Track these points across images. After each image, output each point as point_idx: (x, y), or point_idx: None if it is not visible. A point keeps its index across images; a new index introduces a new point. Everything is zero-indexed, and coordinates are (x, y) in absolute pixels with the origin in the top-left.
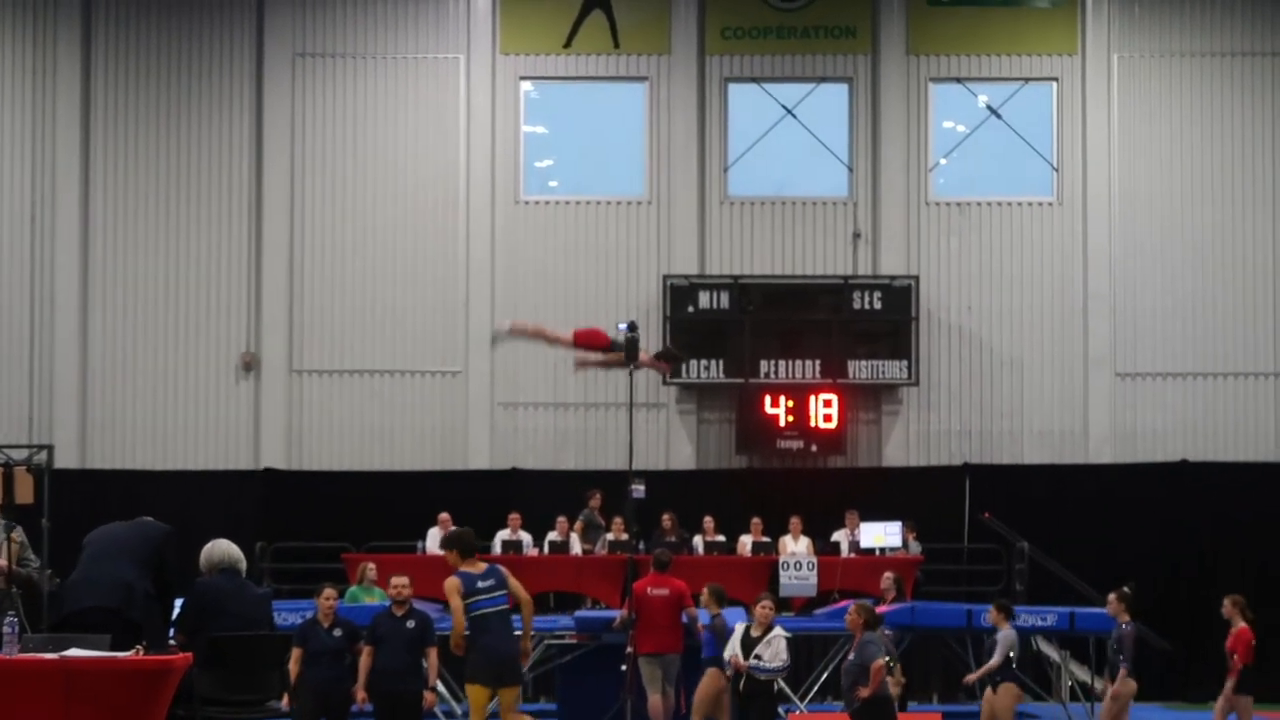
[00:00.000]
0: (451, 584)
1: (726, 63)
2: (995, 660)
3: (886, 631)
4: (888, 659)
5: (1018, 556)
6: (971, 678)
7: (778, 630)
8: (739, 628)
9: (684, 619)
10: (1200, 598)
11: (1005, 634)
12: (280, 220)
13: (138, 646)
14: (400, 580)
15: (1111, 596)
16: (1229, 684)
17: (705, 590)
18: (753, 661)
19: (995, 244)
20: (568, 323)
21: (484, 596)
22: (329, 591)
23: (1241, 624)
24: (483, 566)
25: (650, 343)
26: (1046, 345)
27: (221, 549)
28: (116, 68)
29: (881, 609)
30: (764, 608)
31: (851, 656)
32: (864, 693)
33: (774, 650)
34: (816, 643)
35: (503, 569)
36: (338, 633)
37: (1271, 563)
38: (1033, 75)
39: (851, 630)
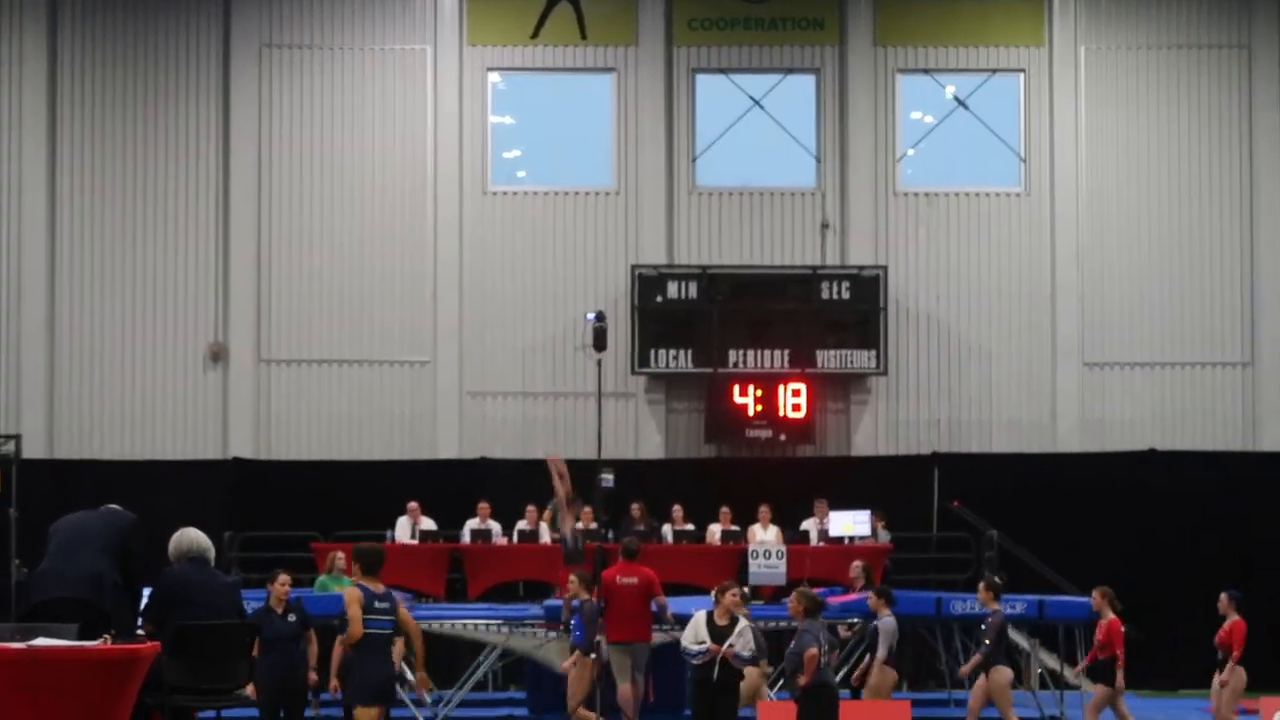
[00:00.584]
0: (353, 594)
1: (694, 54)
2: (881, 653)
3: (854, 621)
4: (825, 647)
5: (987, 545)
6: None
7: (745, 620)
8: (699, 615)
9: (653, 607)
10: (1168, 586)
11: (886, 622)
12: (247, 210)
13: (105, 636)
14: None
15: (981, 585)
16: (1120, 677)
17: (574, 576)
18: (737, 651)
19: (963, 234)
20: (534, 313)
21: (376, 617)
22: (283, 577)
23: (1111, 615)
24: (382, 588)
25: (618, 333)
26: (1014, 335)
27: (190, 538)
28: (82, 58)
29: (850, 597)
30: (734, 595)
31: (792, 645)
32: (802, 681)
33: (745, 640)
34: (786, 632)
35: (396, 596)
36: (291, 618)
37: (1239, 551)
38: (1000, 67)
39: (793, 618)
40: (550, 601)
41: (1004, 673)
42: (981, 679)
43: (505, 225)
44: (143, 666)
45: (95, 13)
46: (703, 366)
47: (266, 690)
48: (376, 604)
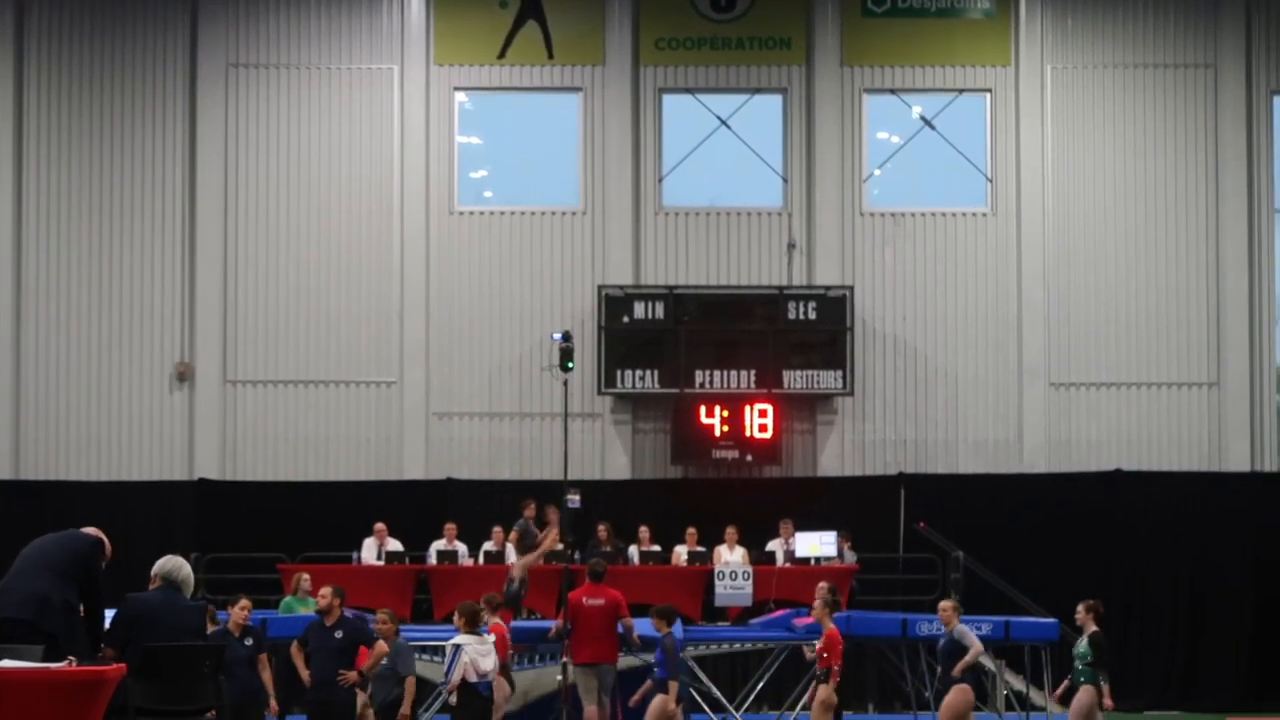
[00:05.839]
0: None
1: (661, 73)
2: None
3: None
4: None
5: (953, 566)
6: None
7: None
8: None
9: (619, 629)
10: (1134, 606)
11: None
12: (214, 231)
13: (70, 658)
14: (325, 590)
15: (947, 603)
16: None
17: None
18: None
19: (930, 254)
20: (501, 333)
21: None
22: (244, 602)
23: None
24: None
25: (584, 354)
26: (981, 355)
27: (175, 564)
28: (49, 77)
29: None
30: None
31: None
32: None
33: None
34: (752, 654)
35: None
36: (249, 642)
37: (1203, 571)
38: (966, 86)
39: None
40: (516, 623)
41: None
42: (949, 696)
43: (472, 245)
44: (109, 688)
45: (61, 34)
46: (669, 387)
47: (226, 713)
48: None
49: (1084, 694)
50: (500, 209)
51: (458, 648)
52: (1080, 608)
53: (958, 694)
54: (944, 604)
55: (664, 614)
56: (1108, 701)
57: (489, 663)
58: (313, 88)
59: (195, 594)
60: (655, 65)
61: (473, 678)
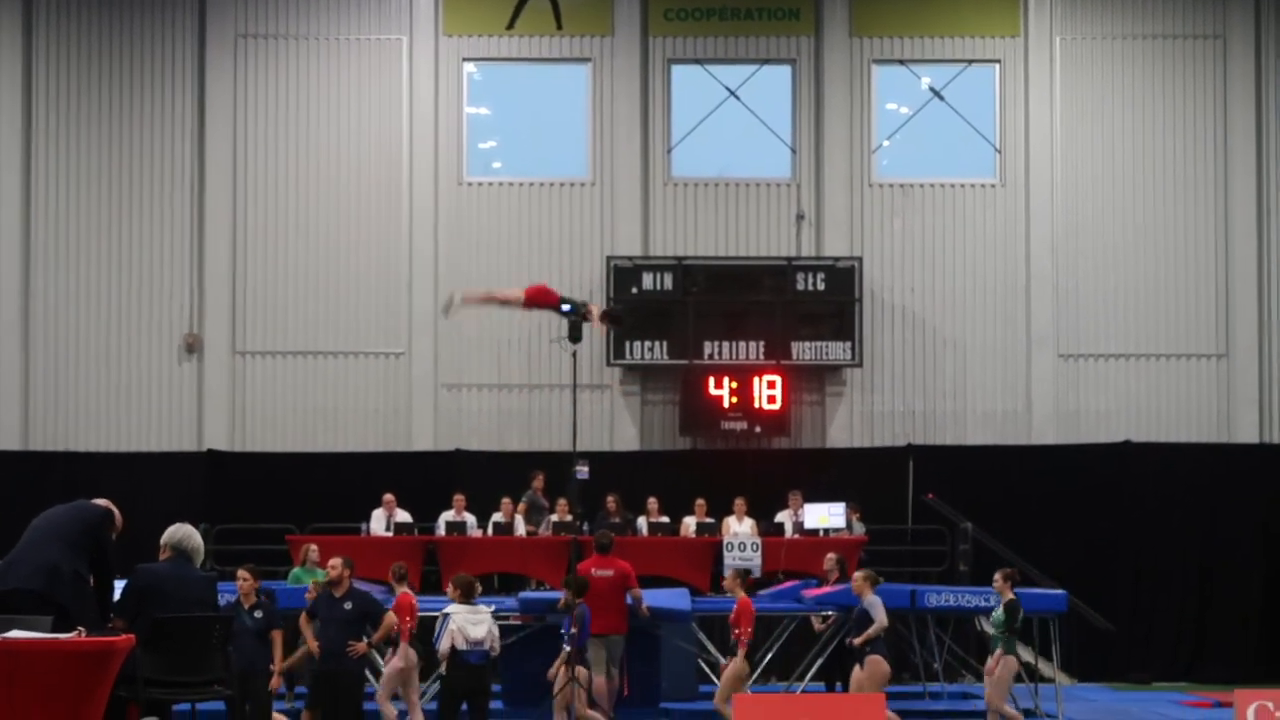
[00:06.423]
0: None
1: (669, 44)
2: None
3: (828, 614)
4: None
5: (961, 537)
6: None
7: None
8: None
9: (628, 600)
10: (1142, 579)
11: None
12: (223, 202)
13: (79, 629)
14: (334, 561)
15: (859, 574)
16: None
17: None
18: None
19: (938, 225)
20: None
21: None
22: (243, 572)
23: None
24: None
25: (593, 325)
26: (989, 326)
27: (185, 533)
28: (58, 47)
29: (825, 589)
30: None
31: None
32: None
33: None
34: (760, 623)
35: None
36: (258, 614)
37: (1212, 543)
38: (975, 57)
39: None
40: (525, 594)
41: (881, 664)
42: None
43: (480, 216)
44: (118, 659)
45: (70, 4)
46: (678, 358)
47: (233, 684)
48: None
49: (1004, 663)
50: (509, 180)
51: (446, 616)
52: (998, 575)
53: (874, 665)
54: (856, 574)
55: (575, 585)
56: (990, 664)
57: (479, 631)
58: (322, 58)
59: (204, 564)
60: (664, 36)
61: (462, 645)
